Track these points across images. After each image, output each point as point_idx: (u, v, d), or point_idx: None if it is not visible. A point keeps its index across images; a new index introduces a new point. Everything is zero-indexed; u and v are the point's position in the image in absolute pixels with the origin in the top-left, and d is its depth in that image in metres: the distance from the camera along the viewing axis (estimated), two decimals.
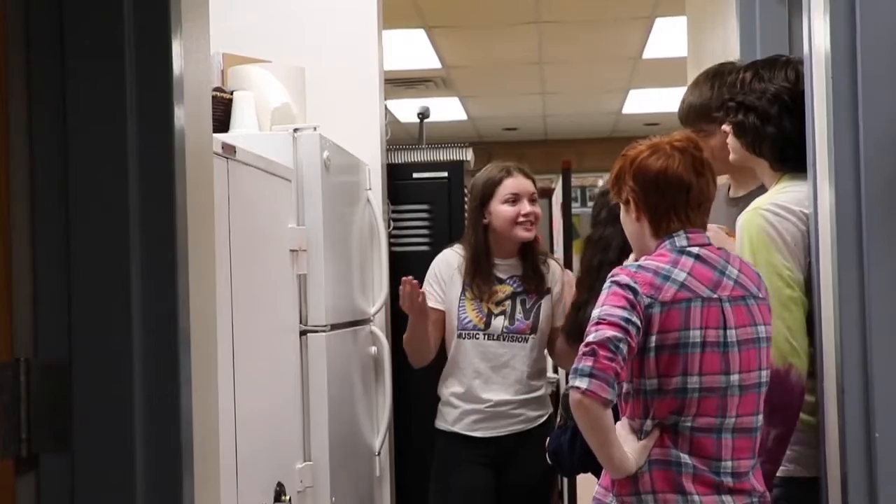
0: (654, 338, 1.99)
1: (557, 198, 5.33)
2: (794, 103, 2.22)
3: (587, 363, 1.92)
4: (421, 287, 3.22)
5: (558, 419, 2.62)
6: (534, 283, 3.27)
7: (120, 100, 1.38)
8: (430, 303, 3.28)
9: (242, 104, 3.02)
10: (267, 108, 3.10)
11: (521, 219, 3.22)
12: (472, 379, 3.23)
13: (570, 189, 5.14)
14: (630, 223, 2.17)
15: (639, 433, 2.03)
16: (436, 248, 3.87)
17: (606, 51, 7.32)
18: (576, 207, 5.42)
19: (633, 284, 2.00)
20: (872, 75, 1.83)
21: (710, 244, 2.11)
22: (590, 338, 1.95)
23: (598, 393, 1.91)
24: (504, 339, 3.22)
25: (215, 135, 2.13)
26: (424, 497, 3.41)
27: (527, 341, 3.23)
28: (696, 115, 2.55)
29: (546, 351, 3.35)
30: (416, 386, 3.64)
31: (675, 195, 2.09)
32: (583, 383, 1.91)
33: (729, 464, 2.01)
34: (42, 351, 1.37)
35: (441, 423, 3.31)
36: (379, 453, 3.55)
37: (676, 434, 2.01)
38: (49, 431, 1.35)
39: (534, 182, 3.32)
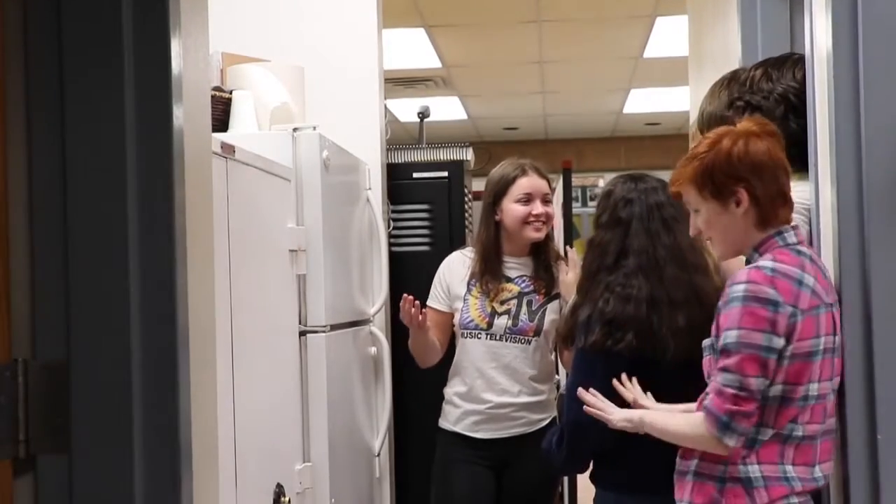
0: (791, 347, 1.90)
1: (558, 198, 5.33)
2: (800, 103, 2.20)
3: (736, 421, 1.90)
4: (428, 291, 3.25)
5: (558, 421, 2.63)
6: (544, 283, 3.24)
7: (119, 99, 1.37)
8: (435, 305, 3.28)
9: (242, 104, 3.01)
10: (266, 108, 3.10)
11: (531, 218, 3.19)
12: (474, 379, 3.22)
13: (570, 189, 5.15)
14: (730, 218, 2.01)
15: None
16: (436, 248, 3.87)
17: (607, 50, 7.32)
18: (576, 207, 5.41)
19: (773, 296, 1.88)
20: (874, 74, 1.83)
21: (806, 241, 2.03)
22: (726, 379, 1.90)
23: (734, 445, 1.94)
24: (507, 340, 3.20)
25: (214, 134, 2.13)
26: (424, 498, 3.40)
27: (530, 343, 3.19)
28: (715, 123, 2.51)
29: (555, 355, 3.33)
30: (415, 386, 3.63)
31: (781, 177, 1.99)
32: (731, 441, 1.92)
33: (818, 468, 1.96)
34: (40, 351, 1.36)
35: (444, 423, 3.30)
36: (378, 454, 3.55)
37: (785, 444, 1.94)
38: (47, 432, 1.35)
39: (549, 182, 3.29)
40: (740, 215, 2.00)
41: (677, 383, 2.28)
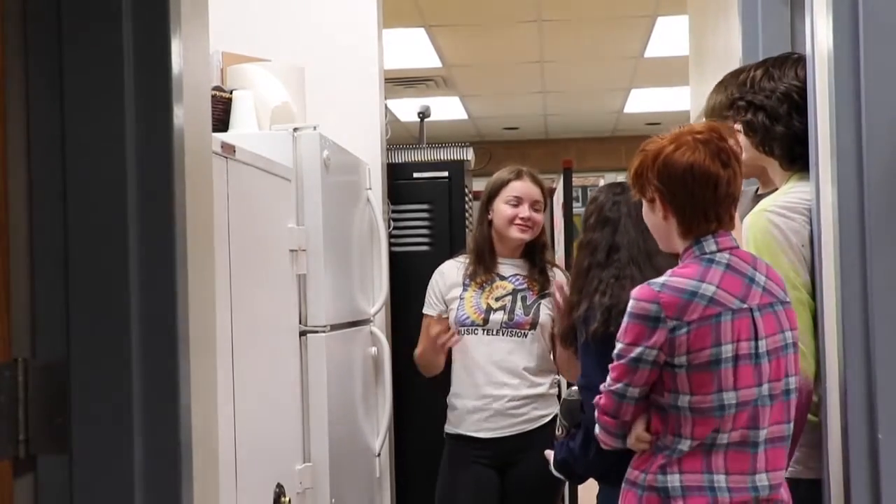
0: (683, 358, 1.94)
1: (558, 197, 5.34)
2: (803, 102, 2.20)
3: (596, 413, 2.10)
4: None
5: (558, 430, 2.61)
6: (537, 283, 3.30)
7: (119, 99, 1.37)
8: (431, 312, 3.31)
9: (242, 103, 3.01)
10: (266, 108, 3.09)
11: (517, 221, 3.27)
12: (474, 375, 3.23)
13: (570, 189, 5.15)
14: (655, 221, 2.08)
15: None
16: (436, 248, 3.87)
17: (608, 50, 7.32)
18: (577, 207, 5.40)
19: (654, 312, 1.94)
20: (875, 74, 1.83)
21: (737, 247, 2.04)
22: (607, 382, 2.06)
23: (606, 442, 2.11)
24: (504, 334, 3.23)
25: (215, 134, 2.12)
26: (424, 498, 3.40)
27: (526, 336, 3.24)
28: (717, 115, 2.50)
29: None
30: (416, 387, 3.63)
31: (703, 192, 1.99)
32: (601, 434, 2.11)
33: (765, 476, 1.97)
34: (40, 351, 1.36)
35: (448, 427, 3.33)
36: (379, 454, 3.54)
37: (710, 453, 1.97)
38: (47, 432, 1.34)
39: (543, 190, 3.37)
40: (661, 219, 2.05)
41: None
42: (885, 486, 1.82)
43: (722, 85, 2.48)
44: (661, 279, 2.00)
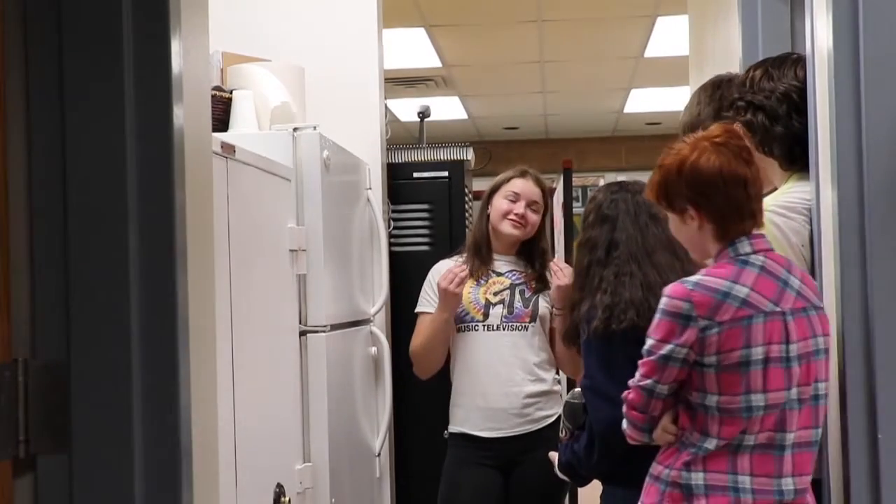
0: (713, 358, 1.93)
1: (558, 197, 5.33)
2: (803, 102, 2.19)
3: (624, 408, 2.09)
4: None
5: (562, 432, 2.61)
6: (534, 279, 3.31)
7: (119, 99, 1.37)
8: (428, 309, 3.30)
9: (242, 103, 3.01)
10: (266, 108, 3.09)
11: (511, 216, 3.28)
12: (477, 371, 3.23)
13: (570, 189, 5.14)
14: (689, 232, 2.04)
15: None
16: (436, 248, 3.87)
17: (608, 50, 7.32)
18: (577, 207, 5.40)
19: (686, 310, 1.94)
20: (875, 74, 1.82)
21: (771, 249, 2.02)
22: (636, 378, 2.05)
23: (634, 437, 2.09)
24: (504, 329, 3.23)
25: (214, 134, 2.12)
26: (424, 498, 3.40)
27: (527, 329, 3.24)
28: (693, 129, 2.49)
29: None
30: (416, 386, 3.63)
31: (736, 192, 1.97)
32: (626, 427, 2.10)
33: (791, 480, 1.96)
34: (40, 351, 1.36)
35: (452, 427, 3.31)
36: (379, 454, 3.54)
37: (736, 454, 1.96)
38: (47, 432, 1.34)
39: (545, 192, 3.37)
40: (696, 230, 2.03)
41: None
42: (885, 486, 1.82)
43: (688, 105, 2.49)
44: (694, 277, 1.98)
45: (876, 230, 1.83)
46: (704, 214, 2.00)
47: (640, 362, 2.04)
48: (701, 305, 1.93)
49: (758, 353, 1.92)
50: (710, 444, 1.97)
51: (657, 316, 1.99)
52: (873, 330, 1.84)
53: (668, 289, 1.99)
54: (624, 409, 2.08)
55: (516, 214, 3.27)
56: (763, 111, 2.26)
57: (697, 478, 1.98)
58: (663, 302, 1.98)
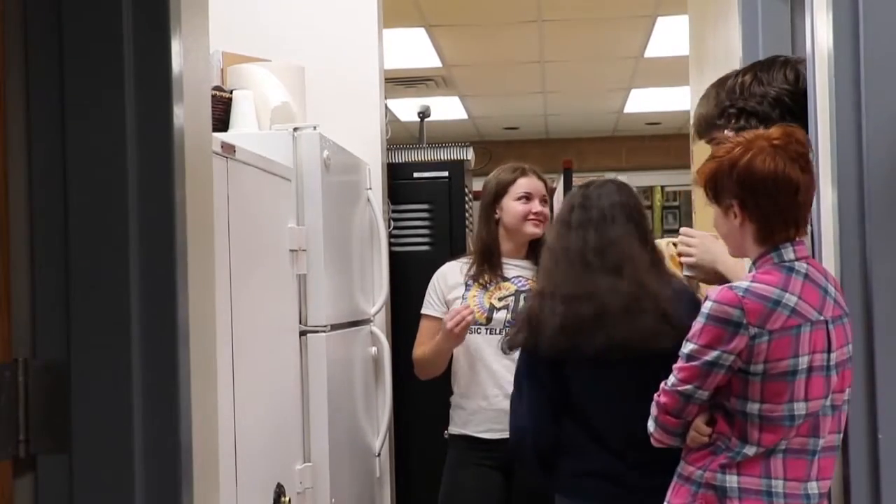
0: (760, 366, 1.91)
1: (558, 197, 5.33)
2: (795, 105, 2.19)
3: (654, 412, 2.07)
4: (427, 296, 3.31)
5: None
6: None
7: (119, 99, 1.37)
8: (431, 312, 3.29)
9: (242, 103, 3.01)
10: (267, 108, 3.09)
11: (531, 216, 3.27)
12: (478, 374, 3.23)
13: (570, 189, 5.14)
14: (730, 227, 2.02)
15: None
16: (436, 248, 3.86)
17: (608, 50, 7.31)
18: None
19: (737, 317, 1.90)
20: (875, 74, 1.83)
21: (811, 256, 2.00)
22: (667, 383, 2.03)
23: (663, 441, 2.09)
24: (507, 333, 3.22)
25: (215, 134, 2.12)
26: (424, 498, 3.40)
27: None
28: (706, 126, 2.49)
29: None
30: (416, 387, 3.62)
31: (786, 198, 1.94)
32: (651, 428, 2.09)
33: (816, 484, 1.96)
34: (40, 351, 1.36)
35: (452, 428, 3.31)
36: (379, 454, 3.54)
37: (770, 458, 1.95)
38: (47, 432, 1.34)
39: (545, 184, 3.38)
40: (737, 226, 2.00)
41: (608, 382, 2.43)
42: (885, 486, 1.82)
43: (706, 97, 2.47)
44: (743, 284, 1.94)
45: (876, 230, 1.83)
46: (748, 214, 1.97)
47: (676, 366, 2.00)
48: (752, 313, 1.90)
49: (804, 362, 1.90)
50: (750, 450, 1.96)
51: (701, 320, 1.95)
52: (874, 330, 1.84)
53: (715, 293, 1.94)
54: (654, 412, 2.05)
55: (535, 213, 3.27)
56: (756, 116, 2.24)
57: (732, 481, 1.97)
58: (709, 307, 1.93)
